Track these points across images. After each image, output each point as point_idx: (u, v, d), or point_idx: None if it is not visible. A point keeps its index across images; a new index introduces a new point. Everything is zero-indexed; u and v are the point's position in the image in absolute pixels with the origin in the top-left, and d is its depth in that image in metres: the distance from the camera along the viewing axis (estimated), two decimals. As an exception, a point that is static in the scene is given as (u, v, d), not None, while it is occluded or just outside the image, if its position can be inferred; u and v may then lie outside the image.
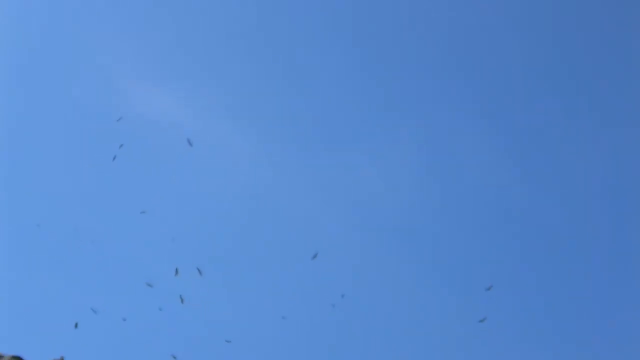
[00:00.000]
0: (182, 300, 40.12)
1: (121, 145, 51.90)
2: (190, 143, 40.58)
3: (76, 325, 40.89)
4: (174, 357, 41.49)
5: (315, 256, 45.15)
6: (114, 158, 51.10)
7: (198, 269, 42.84)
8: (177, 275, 43.36)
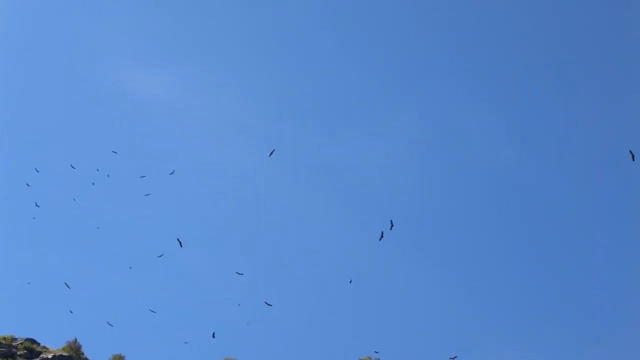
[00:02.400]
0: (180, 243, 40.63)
1: (143, 176, 52.33)
2: (271, 154, 41.22)
3: (213, 335, 41.11)
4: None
5: (161, 255, 46.03)
6: (147, 195, 51.51)
7: (178, 240, 43.29)
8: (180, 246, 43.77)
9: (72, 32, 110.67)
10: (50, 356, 51.42)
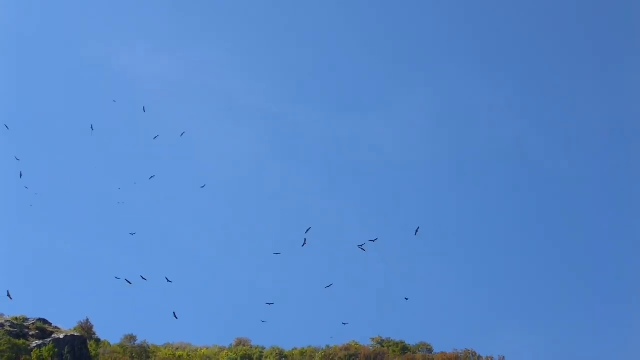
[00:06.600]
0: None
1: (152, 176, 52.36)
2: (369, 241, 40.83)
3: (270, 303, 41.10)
4: None
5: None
6: (151, 177, 51.62)
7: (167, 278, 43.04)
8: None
9: (79, 20, 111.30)
10: (62, 336, 51.73)
